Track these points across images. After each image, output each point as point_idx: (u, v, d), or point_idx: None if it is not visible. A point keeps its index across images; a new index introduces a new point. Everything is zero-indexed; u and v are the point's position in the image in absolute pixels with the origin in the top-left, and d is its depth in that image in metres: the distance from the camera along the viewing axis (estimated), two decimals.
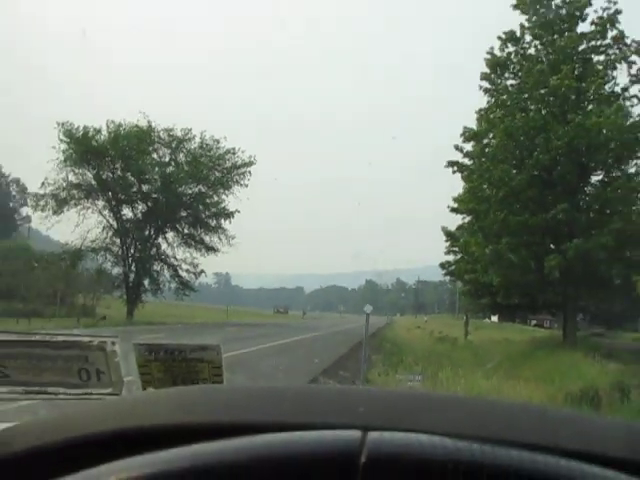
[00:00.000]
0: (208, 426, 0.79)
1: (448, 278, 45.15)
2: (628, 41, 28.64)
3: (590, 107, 27.51)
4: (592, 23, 28.72)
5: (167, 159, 47.44)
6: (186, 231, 49.08)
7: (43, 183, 44.65)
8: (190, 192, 47.65)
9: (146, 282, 47.92)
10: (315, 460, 0.70)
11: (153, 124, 46.27)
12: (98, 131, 44.84)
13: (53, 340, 0.97)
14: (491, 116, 29.19)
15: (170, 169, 47.10)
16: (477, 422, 0.81)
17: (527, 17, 29.12)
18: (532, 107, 28.17)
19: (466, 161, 30.58)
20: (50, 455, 0.81)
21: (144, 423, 0.81)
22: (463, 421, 0.80)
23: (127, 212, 47.39)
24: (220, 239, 49.33)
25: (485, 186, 28.60)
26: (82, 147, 43.88)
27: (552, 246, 27.93)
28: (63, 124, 43.76)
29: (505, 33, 29.49)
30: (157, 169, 46.89)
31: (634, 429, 0.87)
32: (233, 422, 0.79)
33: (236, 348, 24.35)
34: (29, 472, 0.80)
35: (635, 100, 28.80)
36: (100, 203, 46.20)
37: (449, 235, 35.11)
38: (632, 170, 29.22)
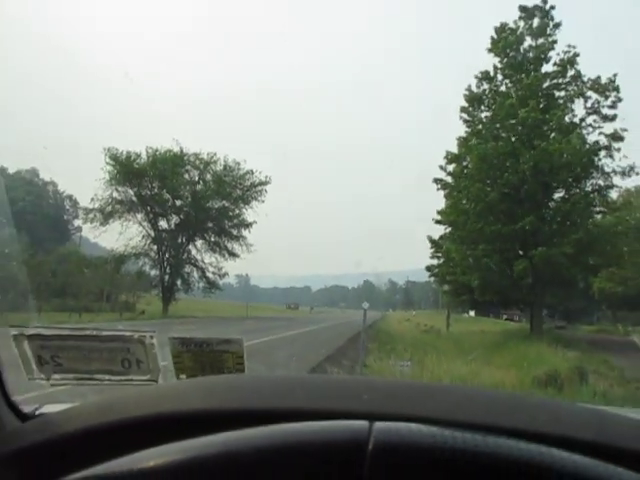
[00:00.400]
0: (233, 412, 0.78)
1: (433, 279, 45.02)
2: (585, 79, 28.82)
3: (553, 135, 27.50)
4: (554, 64, 28.90)
5: (196, 179, 47.63)
6: (212, 239, 49.22)
7: (92, 199, 44.96)
8: (216, 207, 47.83)
9: (179, 282, 48.14)
10: (328, 448, 0.68)
11: (184, 149, 46.59)
12: (138, 155, 45.13)
13: (100, 334, 0.97)
14: (469, 142, 29.28)
15: (199, 187, 47.32)
16: (470, 410, 0.79)
17: (499, 59, 29.24)
18: (503, 135, 28.24)
19: (448, 179, 30.70)
20: (98, 436, 0.80)
21: (179, 408, 0.80)
22: (458, 409, 0.79)
23: (163, 223, 47.59)
24: (241, 246, 49.47)
25: (464, 201, 28.66)
26: (125, 169, 44.21)
27: (520, 252, 27.93)
28: (109, 149, 44.13)
29: (481, 73, 29.67)
30: (188, 187, 47.13)
31: (602, 415, 0.85)
32: (255, 409, 0.78)
33: (257, 337, 24.43)
34: (79, 452, 0.78)
35: (590, 129, 28.91)
36: (140, 216, 46.44)
37: (433, 243, 35.14)
38: (589, 188, 29.28)
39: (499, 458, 0.67)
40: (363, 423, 0.70)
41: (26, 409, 1.00)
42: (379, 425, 0.70)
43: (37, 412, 1.08)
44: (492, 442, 0.69)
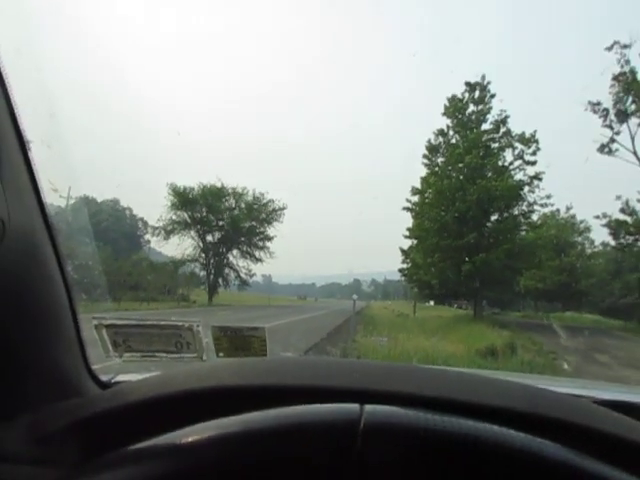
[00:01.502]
0: (257, 388, 0.75)
1: (403, 278, 44.86)
2: (513, 134, 28.84)
3: (490, 175, 27.51)
4: (491, 123, 28.89)
5: (233, 206, 47.80)
6: (244, 249, 49.27)
7: (158, 220, 45.45)
8: (247, 226, 47.90)
9: (220, 280, 48.17)
10: (325, 427, 0.65)
11: (225, 184, 46.96)
12: (192, 189, 45.45)
13: (159, 323, 0.94)
14: (429, 180, 29.28)
15: (235, 212, 47.48)
16: (441, 389, 0.76)
17: (451, 120, 29.31)
18: (454, 175, 28.18)
19: (414, 207, 30.72)
20: (159, 407, 0.77)
21: (217, 384, 0.77)
22: (430, 388, 0.75)
23: (209, 238, 47.68)
24: (265, 254, 49.54)
25: (425, 222, 28.60)
26: (182, 198, 44.51)
27: (467, 259, 27.79)
28: (171, 184, 44.62)
29: (437, 130, 29.73)
30: (227, 212, 47.31)
31: (529, 389, 0.82)
32: (275, 385, 0.75)
33: (281, 318, 24.50)
34: (142, 422, 0.75)
35: (517, 170, 28.87)
36: (192, 232, 46.62)
37: (403, 252, 35.16)
38: (516, 213, 29.21)
39: (468, 439, 0.63)
40: (355, 406, 0.67)
41: (104, 378, 0.98)
42: (368, 407, 0.67)
43: (113, 380, 1.06)
44: (462, 423, 0.65)
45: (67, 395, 0.85)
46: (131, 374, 1.04)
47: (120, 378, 1.07)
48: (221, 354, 0.99)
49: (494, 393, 0.74)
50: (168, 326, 0.93)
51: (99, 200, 64.89)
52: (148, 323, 0.92)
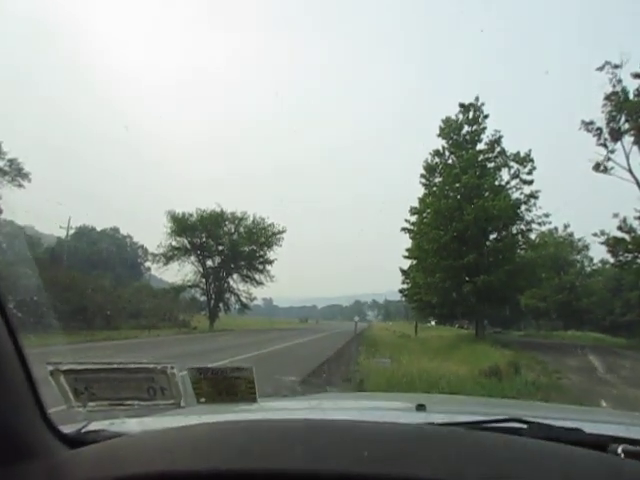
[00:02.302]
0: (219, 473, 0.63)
1: (404, 298, 44.63)
2: (508, 153, 28.96)
3: (487, 194, 27.52)
4: (485, 144, 29.05)
5: (233, 231, 47.77)
6: (245, 273, 49.00)
7: (158, 246, 45.43)
8: (247, 250, 47.73)
9: (221, 305, 47.87)
10: None
11: (224, 209, 47.01)
12: (191, 215, 45.56)
13: (126, 367, 0.81)
14: (427, 200, 29.29)
15: (235, 237, 47.41)
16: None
17: (446, 141, 29.47)
18: (451, 195, 28.19)
19: (413, 227, 30.65)
20: None
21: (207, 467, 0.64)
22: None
23: (209, 263, 47.52)
24: (265, 277, 49.32)
25: (424, 243, 28.50)
26: (181, 225, 44.59)
27: (467, 279, 27.60)
28: (169, 211, 44.75)
29: (434, 150, 29.88)
30: (226, 237, 47.23)
31: None
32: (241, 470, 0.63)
33: (283, 342, 24.18)
34: None
35: (514, 189, 28.93)
36: (192, 258, 46.53)
37: (403, 272, 35.11)
38: (514, 232, 29.13)
39: None
40: None
41: (68, 430, 0.85)
42: None
43: (84, 430, 0.93)
44: None
45: (24, 456, 0.72)
46: (99, 422, 0.91)
47: (90, 427, 0.94)
48: (202, 400, 0.85)
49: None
50: (137, 369, 0.79)
51: (98, 229, 65.00)
52: (113, 367, 0.79)
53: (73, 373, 0.79)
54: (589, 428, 0.99)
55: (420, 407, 1.29)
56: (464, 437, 0.76)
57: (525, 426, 0.95)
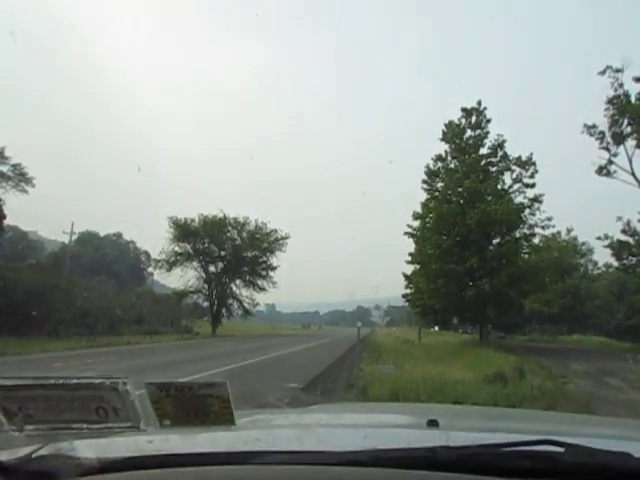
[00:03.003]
0: None
1: (407, 303, 44.34)
2: (510, 158, 28.74)
3: (489, 198, 27.31)
4: (488, 148, 28.83)
5: (235, 236, 47.61)
6: (247, 279, 48.88)
7: (160, 252, 45.41)
8: (250, 256, 47.59)
9: (223, 310, 47.66)
10: None
11: (226, 215, 46.88)
12: (192, 220, 45.49)
13: (67, 383, 0.65)
14: (429, 205, 29.10)
15: (237, 242, 47.25)
16: None
17: (449, 145, 29.29)
18: (454, 199, 27.98)
19: (416, 232, 30.46)
20: None
21: None
22: None
23: (212, 268, 47.45)
24: (268, 283, 49.18)
25: (427, 247, 28.29)
26: (183, 230, 44.50)
27: (470, 283, 27.34)
28: (171, 217, 44.72)
29: (436, 155, 29.68)
30: (229, 242, 47.10)
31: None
32: None
33: (285, 348, 23.99)
34: None
35: (517, 193, 28.71)
36: (195, 264, 46.47)
37: (406, 277, 34.82)
38: (518, 236, 28.88)
39: None
40: None
41: (7, 457, 0.71)
42: None
43: (34, 455, 0.79)
44: None
45: None
46: (48, 446, 0.78)
47: (40, 452, 0.80)
48: (166, 422, 0.69)
49: None
50: (81, 386, 0.65)
51: (102, 234, 64.99)
52: (51, 382, 0.65)
53: (2, 390, 0.66)
54: (637, 450, 0.83)
55: (432, 423, 1.13)
56: None
57: (561, 449, 0.80)
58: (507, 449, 0.81)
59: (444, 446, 0.81)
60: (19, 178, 30.34)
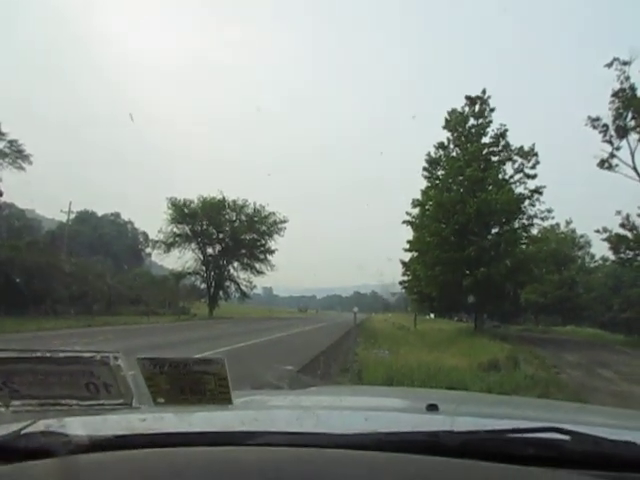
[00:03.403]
0: None
1: (404, 290, 44.53)
2: (512, 147, 28.69)
3: (490, 188, 27.28)
4: (491, 137, 28.74)
5: (234, 218, 47.50)
6: (245, 262, 48.93)
7: (158, 232, 45.29)
8: (248, 238, 47.57)
9: (221, 293, 47.82)
10: None
11: (226, 197, 46.74)
12: (191, 202, 45.33)
13: (55, 357, 0.62)
14: (429, 193, 29.06)
15: (236, 224, 47.17)
16: None
17: (451, 133, 29.16)
18: (454, 188, 27.96)
19: (415, 220, 30.46)
20: None
21: None
22: None
23: (209, 250, 47.47)
24: (266, 266, 49.23)
25: (426, 235, 28.31)
26: (181, 211, 44.38)
27: (467, 272, 27.42)
28: (170, 198, 44.55)
29: (438, 143, 29.62)
30: (228, 225, 47.05)
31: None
32: None
33: (282, 331, 24.09)
34: None
35: (518, 183, 28.70)
36: (193, 245, 46.45)
37: (404, 264, 34.91)
38: (516, 226, 28.89)
39: None
40: None
41: None
42: None
43: (24, 432, 0.76)
44: None
45: None
46: (38, 423, 0.75)
47: (29, 429, 0.77)
48: (160, 400, 0.66)
49: None
50: (70, 360, 0.63)
51: (99, 214, 64.80)
52: (38, 356, 0.63)
53: None
54: None
55: (431, 407, 1.11)
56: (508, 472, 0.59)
57: (567, 437, 0.78)
58: (512, 435, 0.80)
59: (447, 431, 0.79)
60: (16, 155, 30.00)
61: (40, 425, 0.78)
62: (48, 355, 0.60)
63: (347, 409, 1.36)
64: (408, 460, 0.67)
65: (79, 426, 0.78)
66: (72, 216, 44.45)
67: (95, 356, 0.61)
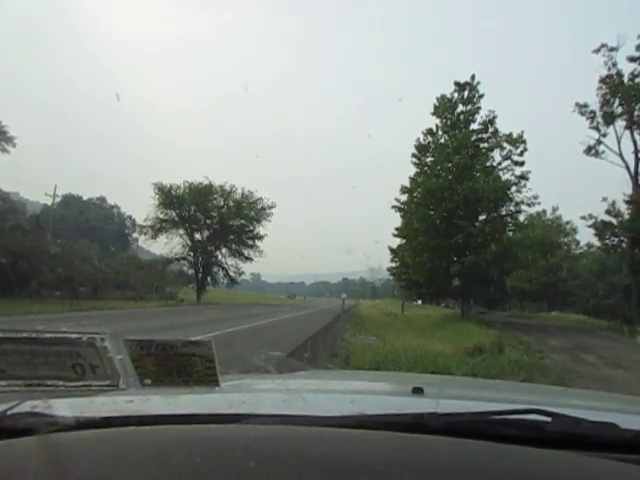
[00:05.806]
0: None
1: (392, 277, 44.78)
2: (501, 134, 28.72)
3: (478, 175, 27.38)
4: (479, 124, 28.73)
5: (222, 204, 47.17)
6: (233, 248, 48.68)
7: (145, 219, 44.90)
8: (236, 224, 47.32)
9: (208, 278, 47.65)
10: None
11: (213, 182, 46.40)
12: (178, 187, 44.94)
13: (41, 337, 0.62)
14: (417, 180, 29.11)
15: (223, 210, 46.86)
16: None
17: (440, 120, 29.13)
18: (442, 174, 27.94)
19: (403, 206, 30.54)
20: None
21: None
22: None
23: (197, 236, 47.13)
24: (254, 252, 49.07)
25: (414, 221, 28.41)
26: (168, 197, 43.99)
27: (455, 259, 27.63)
28: (156, 183, 44.10)
29: (427, 129, 29.52)
30: (215, 210, 46.73)
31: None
32: None
33: (270, 317, 24.13)
34: None
35: (505, 170, 28.78)
36: (180, 231, 46.08)
37: (392, 251, 35.08)
38: (503, 213, 29.08)
39: None
40: None
41: None
42: None
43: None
44: None
45: None
46: (24, 404, 0.75)
47: (14, 410, 0.77)
48: (147, 381, 0.67)
49: None
50: (56, 341, 0.63)
51: (85, 198, 64.09)
52: (23, 336, 0.63)
53: None
54: (624, 421, 0.84)
55: (417, 390, 1.13)
56: (487, 449, 0.61)
57: (548, 419, 0.80)
58: (495, 417, 0.81)
59: (432, 412, 0.81)
60: (0, 137, 29.51)
61: (26, 406, 0.78)
62: (34, 336, 0.60)
63: (334, 392, 1.38)
64: (393, 437, 0.68)
65: (65, 407, 0.78)
66: (57, 200, 43.90)
67: (82, 337, 0.61)
